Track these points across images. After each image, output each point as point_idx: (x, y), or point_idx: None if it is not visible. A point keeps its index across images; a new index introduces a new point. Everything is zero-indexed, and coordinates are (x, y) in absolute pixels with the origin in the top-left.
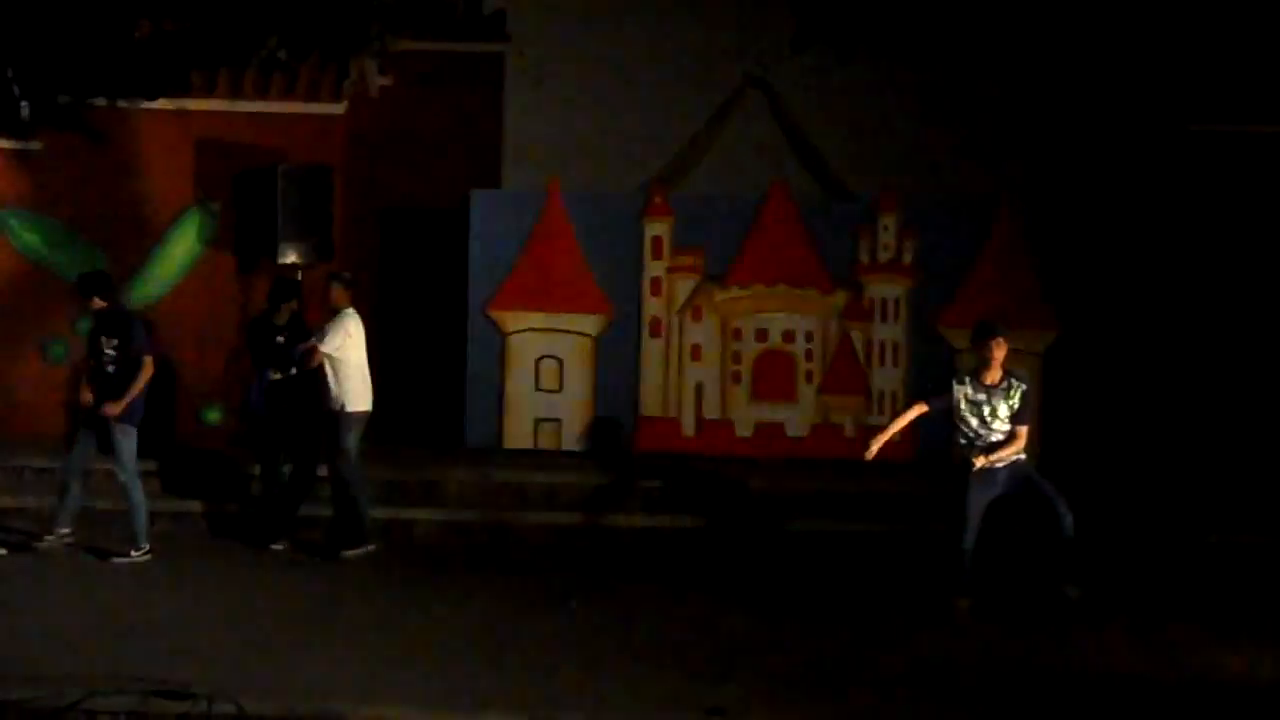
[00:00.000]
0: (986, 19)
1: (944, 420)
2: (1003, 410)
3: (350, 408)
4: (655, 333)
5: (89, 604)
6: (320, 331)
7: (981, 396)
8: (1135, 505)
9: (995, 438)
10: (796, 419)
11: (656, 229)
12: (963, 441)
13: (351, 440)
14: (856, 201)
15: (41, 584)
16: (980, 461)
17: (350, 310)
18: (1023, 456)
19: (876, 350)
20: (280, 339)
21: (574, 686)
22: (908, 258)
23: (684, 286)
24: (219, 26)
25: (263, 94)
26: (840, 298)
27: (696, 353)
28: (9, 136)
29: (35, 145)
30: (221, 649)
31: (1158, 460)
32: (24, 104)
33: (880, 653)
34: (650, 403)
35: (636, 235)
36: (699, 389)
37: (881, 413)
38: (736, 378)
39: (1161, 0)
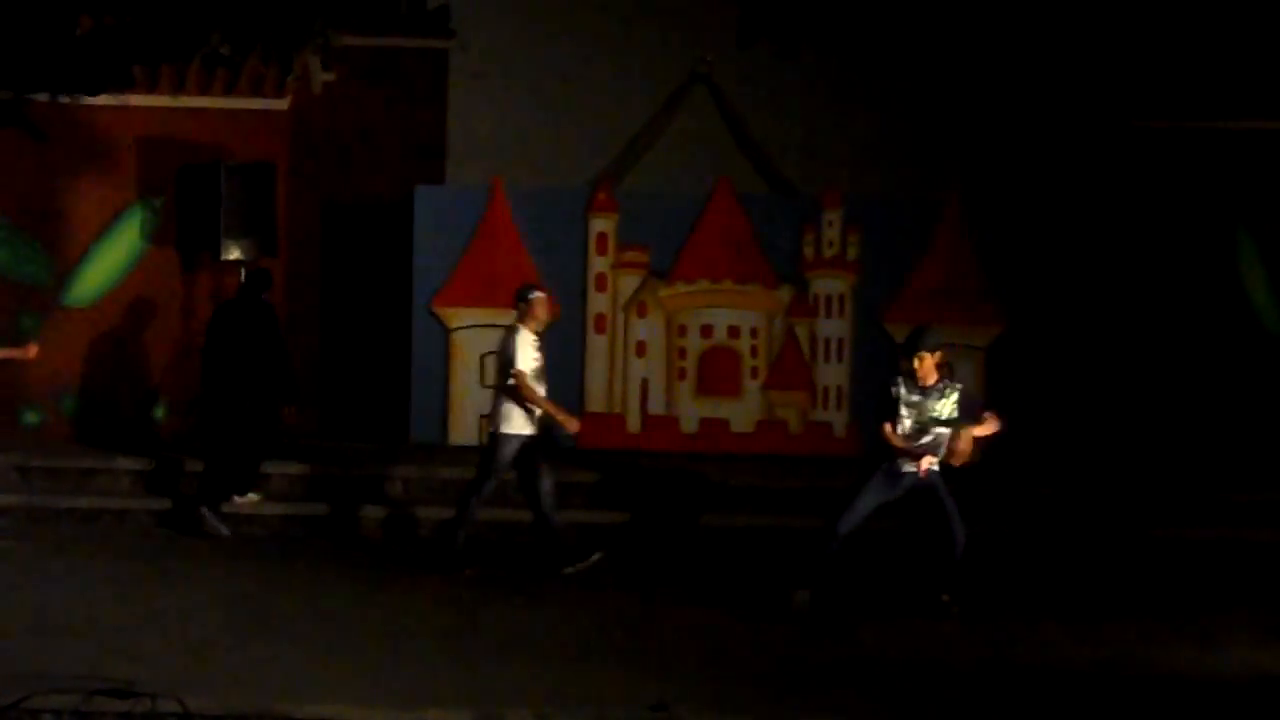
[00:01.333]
0: (932, 16)
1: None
2: (942, 410)
3: (505, 430)
4: (600, 329)
5: (28, 604)
6: (506, 349)
7: (917, 398)
8: (1079, 500)
9: (926, 439)
10: (742, 415)
11: (601, 225)
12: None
13: (500, 463)
14: (801, 198)
15: None
16: (926, 463)
17: (521, 328)
18: (936, 467)
19: (821, 346)
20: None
21: (519, 682)
22: (852, 253)
23: (629, 282)
24: (161, 21)
25: (205, 90)
26: (785, 293)
27: (641, 348)
28: None
29: None
30: (164, 648)
31: (1102, 455)
32: None
33: (820, 647)
34: (595, 398)
35: (581, 231)
36: (644, 385)
37: (825, 408)
38: (682, 374)
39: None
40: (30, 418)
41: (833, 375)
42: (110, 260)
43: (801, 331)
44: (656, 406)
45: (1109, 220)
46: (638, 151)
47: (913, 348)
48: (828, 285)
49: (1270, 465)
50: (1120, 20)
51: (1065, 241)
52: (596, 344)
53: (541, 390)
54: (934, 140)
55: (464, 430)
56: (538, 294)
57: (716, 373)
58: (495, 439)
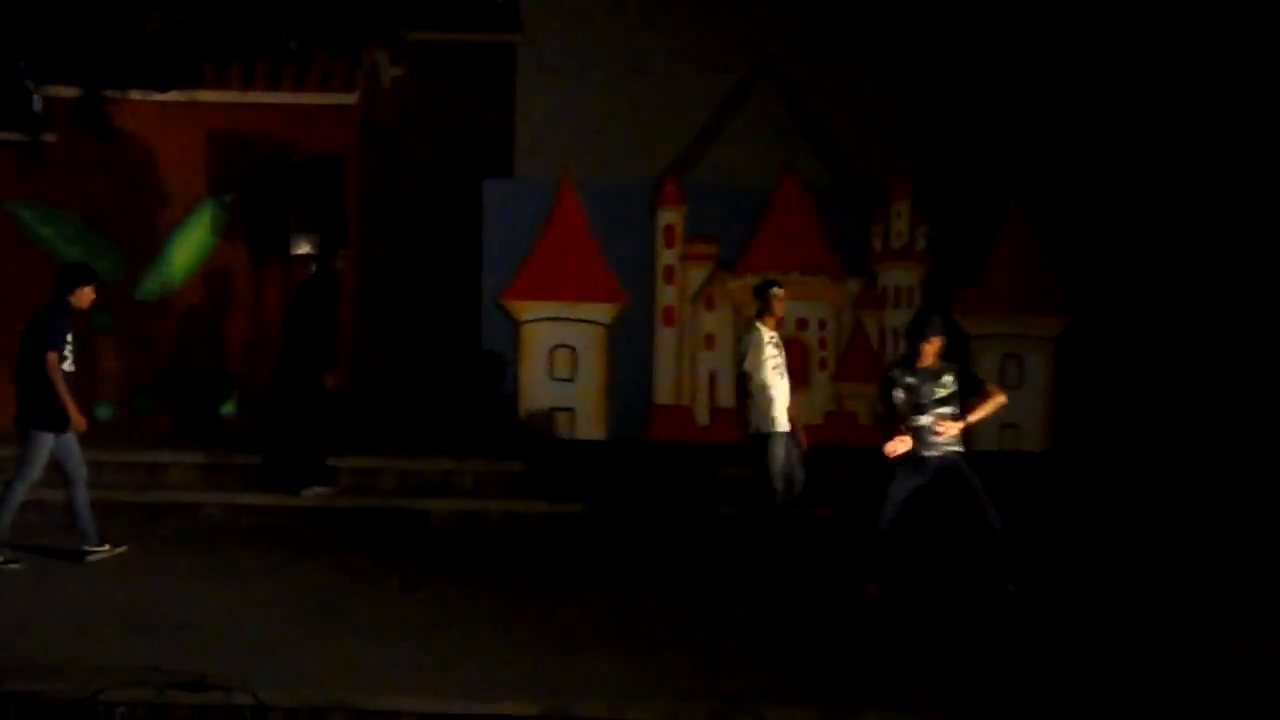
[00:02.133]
0: (1001, 5)
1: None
2: (938, 392)
3: (765, 429)
4: (668, 321)
5: (99, 598)
6: (740, 347)
7: (913, 380)
8: (1153, 491)
9: (925, 419)
10: (810, 406)
11: (669, 217)
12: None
13: (777, 462)
14: (869, 189)
15: (53, 578)
16: (897, 446)
17: (759, 325)
18: (960, 448)
19: (890, 337)
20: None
21: (589, 674)
22: (921, 244)
23: (697, 275)
24: (230, 18)
25: (275, 85)
26: (853, 285)
27: (710, 341)
28: (22, 129)
29: (48, 138)
30: (235, 641)
31: (1174, 446)
32: (36, 97)
33: (894, 640)
34: (663, 391)
35: (649, 224)
36: (712, 377)
37: None
38: None
39: None
40: (103, 412)
41: None
42: (181, 256)
43: (870, 323)
44: (725, 399)
45: (1178, 210)
46: (705, 144)
47: (919, 334)
48: (896, 276)
49: None
50: (1189, 8)
51: (1134, 232)
52: (665, 336)
53: (780, 390)
54: (1001, 130)
55: (532, 422)
56: (777, 289)
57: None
58: (760, 440)
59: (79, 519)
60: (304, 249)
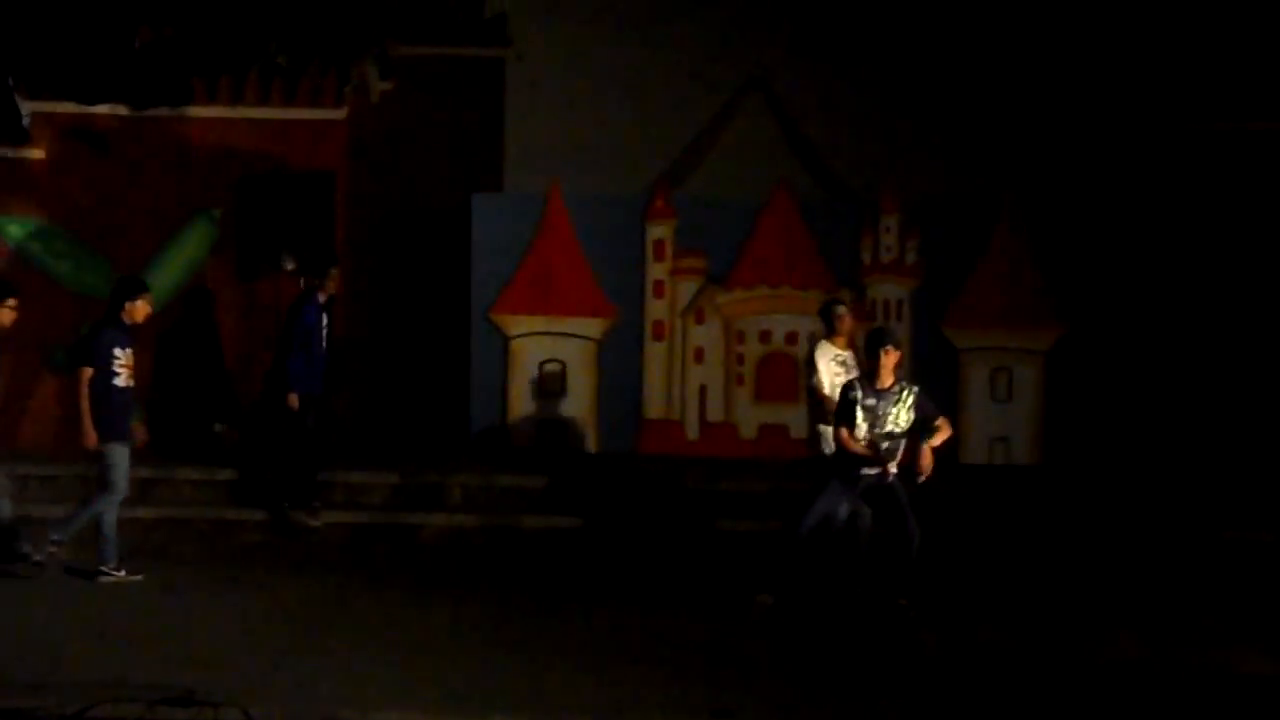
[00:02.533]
0: (989, 20)
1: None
2: (899, 415)
3: (828, 450)
4: (658, 335)
5: (90, 614)
6: (806, 363)
7: (872, 401)
8: (1145, 503)
9: (885, 443)
10: (800, 421)
11: (659, 231)
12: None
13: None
14: (859, 202)
15: (41, 593)
16: (892, 469)
17: (824, 342)
18: (894, 470)
19: None
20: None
21: (580, 689)
22: (911, 258)
23: (687, 289)
24: (220, 33)
25: (264, 100)
26: (846, 298)
27: (700, 355)
28: (11, 144)
29: (37, 153)
30: (226, 656)
31: (1166, 457)
32: (26, 112)
33: (884, 657)
34: (653, 405)
35: (639, 238)
36: (702, 391)
37: None
38: (740, 380)
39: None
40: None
41: None
42: (171, 271)
43: (860, 337)
44: (715, 413)
45: (1168, 223)
46: (695, 158)
47: (876, 343)
48: (886, 290)
49: None
50: (1181, 21)
51: (1124, 244)
52: (654, 350)
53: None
54: (991, 144)
55: (522, 436)
56: (839, 308)
57: (775, 379)
58: (820, 462)
59: (103, 536)
60: (293, 264)
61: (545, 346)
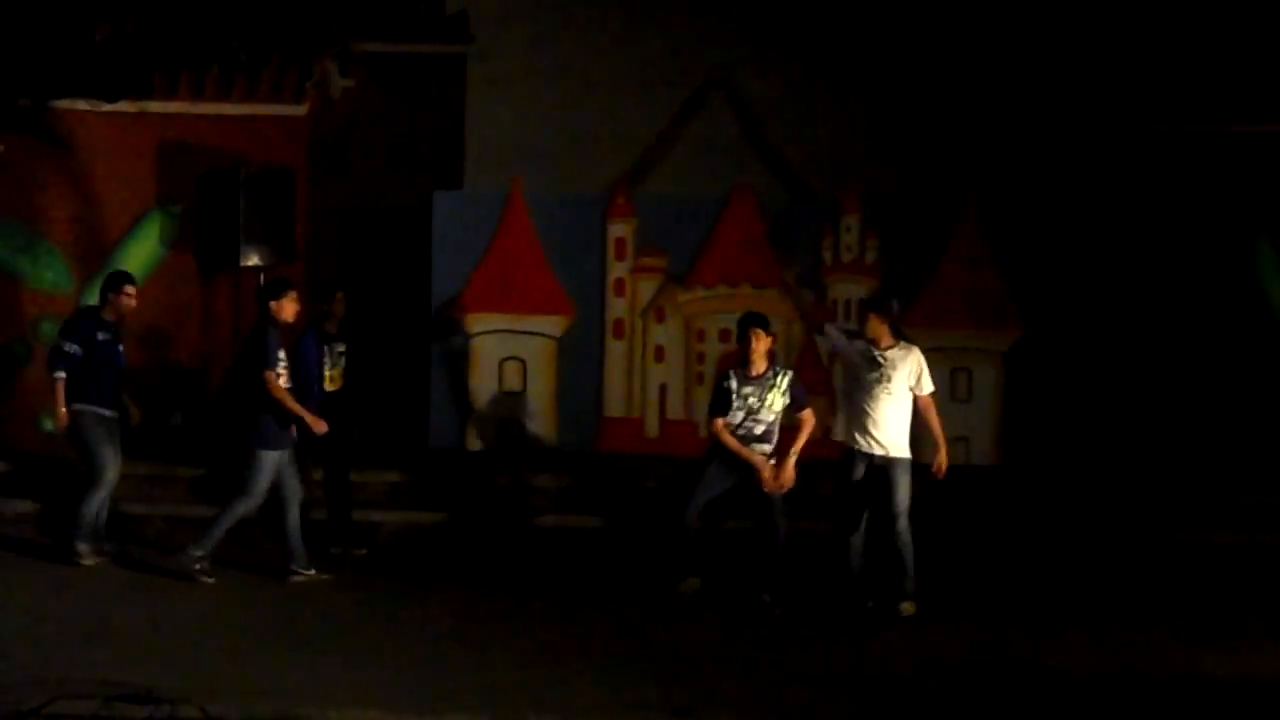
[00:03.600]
0: (952, 21)
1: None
2: (774, 401)
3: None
4: (618, 334)
5: (51, 610)
6: (916, 374)
7: (749, 389)
8: (1102, 504)
9: (759, 429)
10: None
11: (620, 230)
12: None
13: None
14: (819, 202)
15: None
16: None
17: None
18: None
19: None
20: (340, 347)
21: (540, 690)
22: (871, 258)
23: (647, 287)
24: (180, 28)
25: (224, 96)
26: (805, 298)
27: (660, 354)
28: None
29: None
30: (183, 654)
31: (1124, 458)
32: None
33: (839, 654)
34: (613, 403)
35: (600, 236)
36: (662, 390)
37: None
38: (700, 378)
39: (1122, 2)
40: (49, 424)
41: None
42: (129, 266)
43: (820, 337)
44: (675, 411)
45: (1129, 224)
46: (656, 156)
47: (746, 326)
48: (846, 289)
49: None
50: (1141, 23)
51: (1084, 246)
52: (615, 349)
53: (864, 407)
54: (953, 144)
55: (482, 434)
56: (871, 315)
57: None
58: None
59: (289, 538)
60: (253, 260)
61: (505, 344)
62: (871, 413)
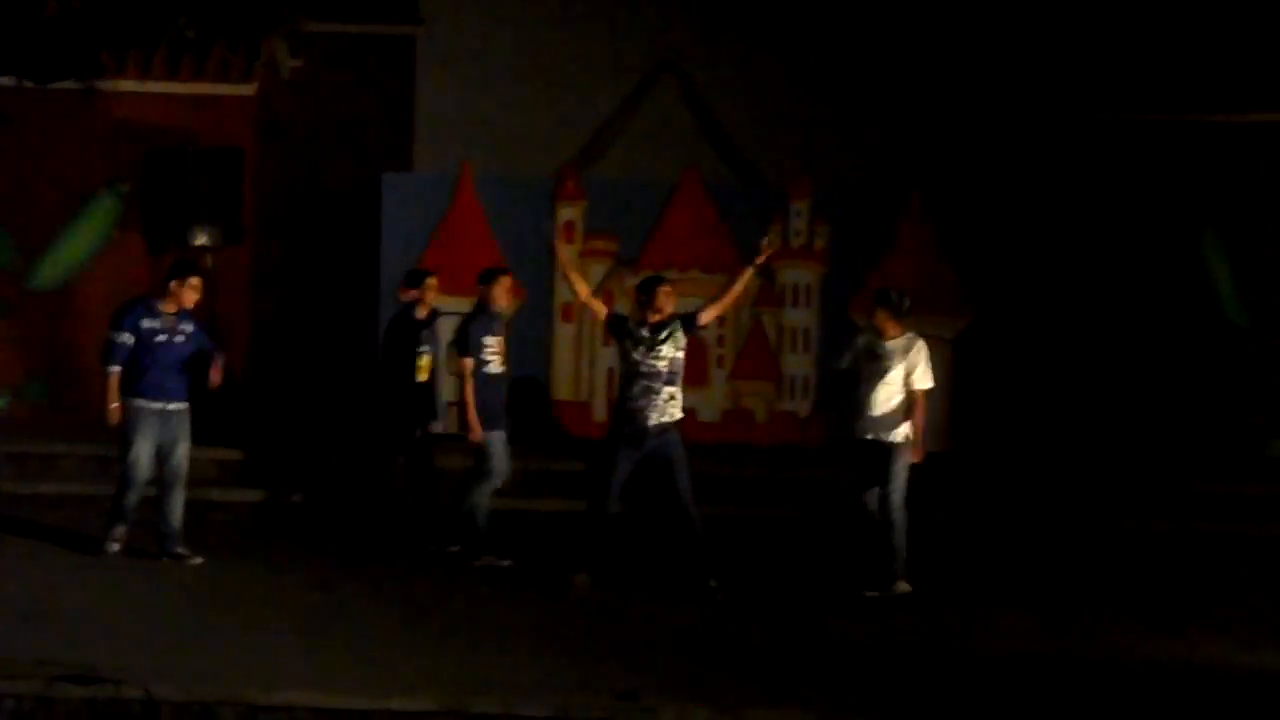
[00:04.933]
0: (899, 10)
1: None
2: (665, 346)
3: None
4: (567, 317)
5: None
6: (915, 366)
7: (645, 333)
8: (1048, 491)
9: (661, 365)
10: (708, 404)
11: (569, 213)
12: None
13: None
14: (769, 188)
15: None
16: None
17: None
18: (678, 418)
19: (788, 336)
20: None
21: (485, 671)
22: (819, 244)
23: (596, 271)
24: (128, 6)
25: (172, 75)
26: (752, 283)
27: (608, 337)
28: None
29: None
30: (129, 635)
31: (1072, 445)
32: None
33: (787, 637)
34: (561, 387)
35: (549, 219)
36: (610, 373)
37: (792, 398)
38: None
39: None
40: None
41: (799, 365)
42: (77, 245)
43: (768, 321)
44: None
45: (1075, 212)
46: (606, 139)
47: (650, 286)
48: (795, 275)
49: (1231, 456)
50: (1086, 13)
51: (1032, 233)
52: (564, 332)
53: (862, 396)
54: (902, 131)
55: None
56: (878, 308)
57: (686, 361)
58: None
59: (477, 524)
60: (200, 240)
61: (454, 327)
62: (867, 399)
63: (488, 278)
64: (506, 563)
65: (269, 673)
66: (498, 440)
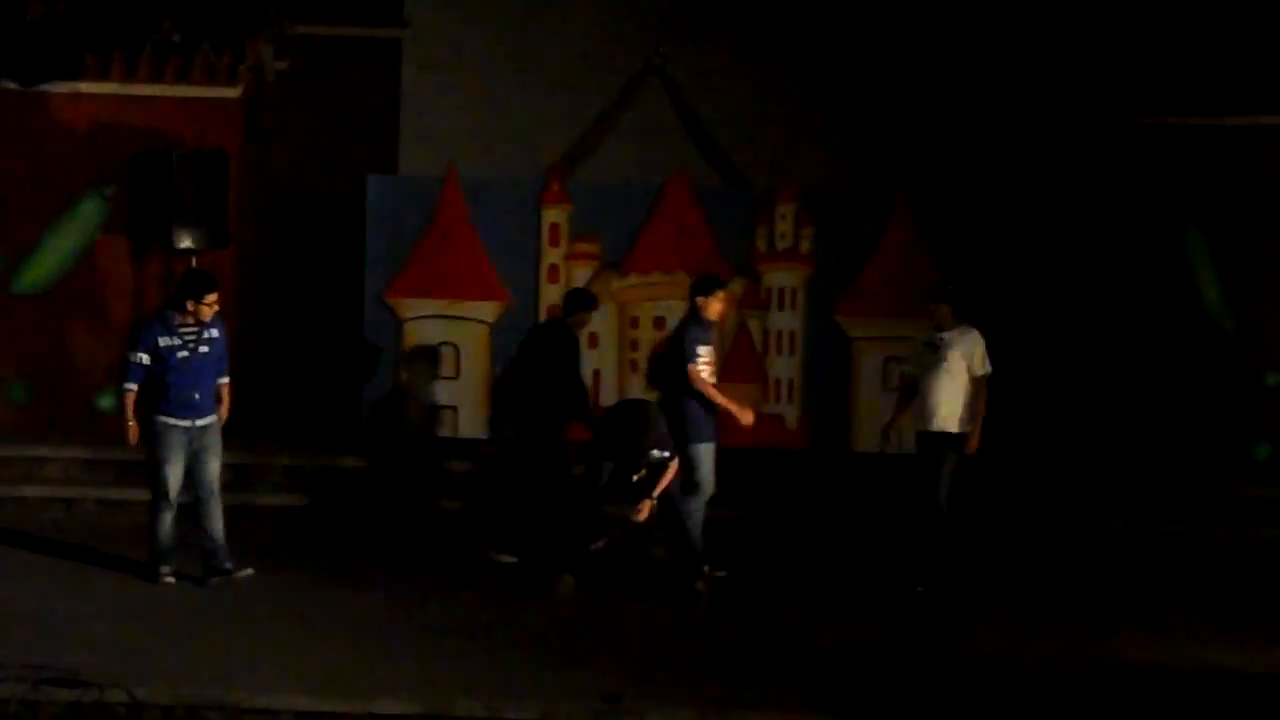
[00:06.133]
0: (890, 12)
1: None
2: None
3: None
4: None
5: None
6: (973, 353)
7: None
8: (1036, 494)
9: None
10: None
11: (554, 216)
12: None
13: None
14: (754, 190)
15: None
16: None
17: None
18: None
19: (774, 338)
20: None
21: (470, 675)
22: (805, 247)
23: (581, 274)
24: (113, 8)
25: (157, 77)
26: (738, 286)
27: (594, 340)
28: None
29: None
30: (114, 638)
31: (1055, 447)
32: None
33: (771, 641)
34: None
35: (534, 222)
36: (596, 376)
37: (777, 401)
38: (634, 366)
39: None
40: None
41: (784, 368)
42: (61, 248)
43: (753, 324)
44: (609, 398)
45: (1061, 215)
46: (592, 142)
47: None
48: (780, 278)
49: (1216, 459)
50: (1072, 15)
51: (1017, 236)
52: None
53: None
54: (887, 134)
55: (415, 420)
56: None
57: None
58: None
59: (689, 539)
60: (185, 243)
61: (439, 330)
62: (927, 391)
63: (708, 288)
64: (721, 573)
65: (253, 676)
66: (706, 452)
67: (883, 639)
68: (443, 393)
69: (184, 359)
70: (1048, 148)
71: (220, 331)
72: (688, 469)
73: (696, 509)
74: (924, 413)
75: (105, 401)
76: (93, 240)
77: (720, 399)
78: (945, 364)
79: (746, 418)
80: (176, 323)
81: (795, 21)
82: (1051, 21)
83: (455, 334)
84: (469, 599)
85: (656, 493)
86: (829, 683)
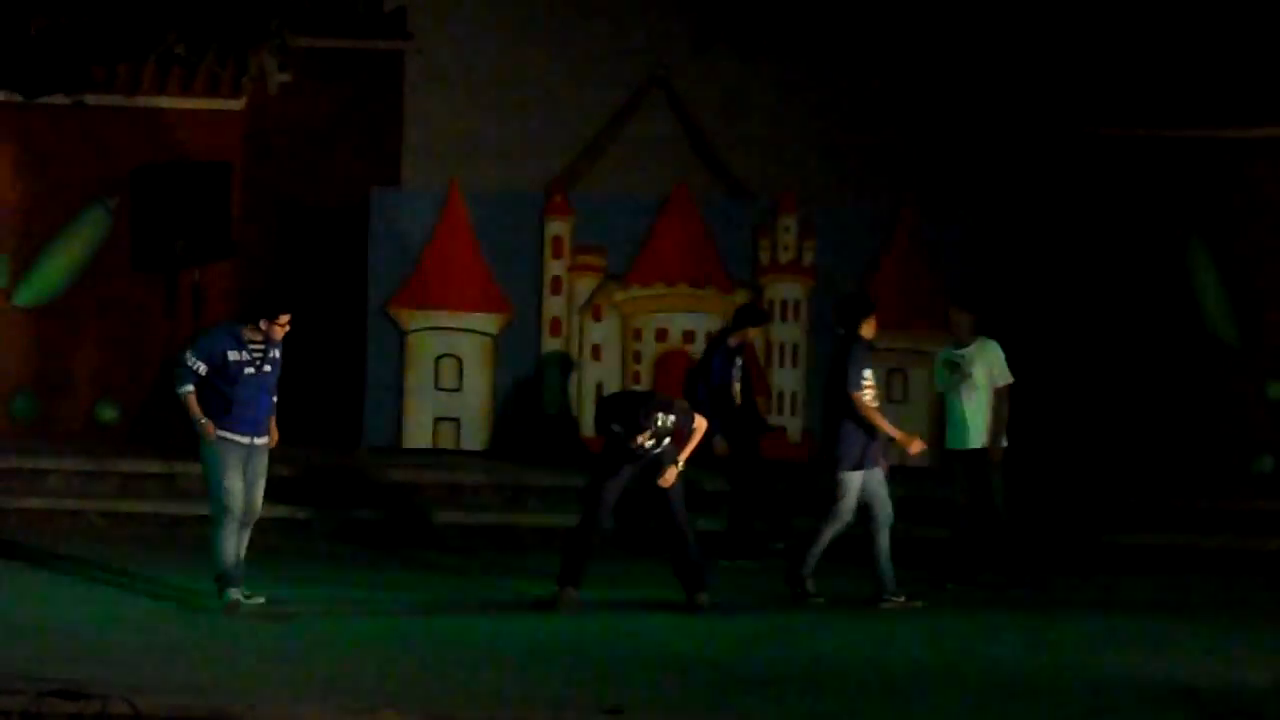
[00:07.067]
0: (891, 25)
1: None
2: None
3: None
4: (555, 332)
5: None
6: (995, 364)
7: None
8: (1037, 505)
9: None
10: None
11: (557, 228)
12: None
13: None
14: (757, 202)
15: None
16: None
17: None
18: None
19: (776, 351)
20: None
21: (473, 685)
22: (808, 259)
23: (584, 286)
24: (117, 21)
25: (161, 89)
26: (741, 298)
27: (597, 352)
28: None
29: None
30: (116, 649)
31: (1059, 459)
32: None
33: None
34: (550, 402)
35: (537, 234)
36: (599, 388)
37: (780, 413)
38: (637, 377)
39: (1058, 6)
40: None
41: (787, 380)
42: (64, 260)
43: (756, 336)
44: None
45: (1064, 227)
46: (595, 155)
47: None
48: (783, 290)
49: (1215, 472)
50: (1075, 28)
51: (1020, 248)
52: (552, 347)
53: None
54: (890, 146)
55: (417, 433)
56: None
57: (671, 376)
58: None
59: (878, 564)
60: (188, 255)
61: (442, 342)
62: (959, 409)
63: (866, 311)
64: (902, 599)
65: (257, 687)
66: (854, 480)
67: (888, 648)
68: (444, 405)
69: (250, 375)
70: (1051, 160)
71: (280, 353)
72: (829, 494)
73: (828, 535)
74: (956, 432)
75: (107, 413)
76: (96, 252)
77: (886, 426)
78: (970, 380)
79: (915, 446)
80: (246, 338)
81: (799, 34)
82: (1054, 35)
83: (458, 346)
84: (472, 609)
85: (682, 458)
86: (828, 692)
